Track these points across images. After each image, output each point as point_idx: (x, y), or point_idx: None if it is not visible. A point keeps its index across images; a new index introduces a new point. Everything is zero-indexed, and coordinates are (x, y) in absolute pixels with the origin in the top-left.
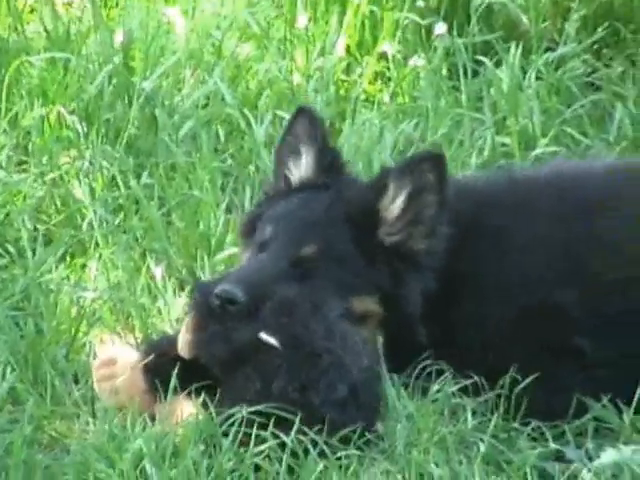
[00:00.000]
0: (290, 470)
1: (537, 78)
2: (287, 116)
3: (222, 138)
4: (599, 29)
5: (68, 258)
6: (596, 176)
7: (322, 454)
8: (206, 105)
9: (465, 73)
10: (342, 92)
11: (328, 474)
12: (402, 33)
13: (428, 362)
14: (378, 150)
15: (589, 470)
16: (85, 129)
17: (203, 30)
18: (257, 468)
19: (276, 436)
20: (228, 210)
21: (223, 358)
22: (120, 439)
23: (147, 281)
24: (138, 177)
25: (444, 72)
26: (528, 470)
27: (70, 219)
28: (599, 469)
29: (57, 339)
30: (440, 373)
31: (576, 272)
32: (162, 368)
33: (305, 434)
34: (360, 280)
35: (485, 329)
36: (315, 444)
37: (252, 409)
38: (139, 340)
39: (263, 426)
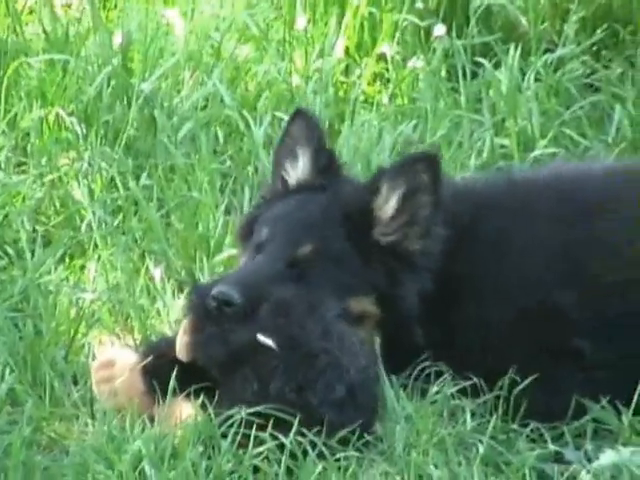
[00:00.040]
0: (289, 471)
1: (536, 79)
2: (286, 117)
3: (221, 139)
4: (598, 31)
5: (67, 259)
6: (595, 178)
7: (321, 455)
8: (205, 106)
9: (464, 74)
10: (341, 93)
11: (327, 475)
12: (401, 34)
13: (427, 363)
14: (377, 151)
15: (588, 471)
16: (84, 130)
17: (202, 32)
18: (256, 469)
19: (275, 437)
20: (227, 211)
21: (220, 360)
22: (119, 440)
23: (146, 282)
24: (137, 178)
25: (443, 73)
26: (527, 471)
27: (69, 220)
28: (598, 470)
29: (56, 340)
30: (439, 374)
31: (575, 274)
32: (161, 370)
33: (304, 435)
34: (357, 280)
35: (484, 331)
36: (314, 445)
37: (251, 410)
38: (138, 341)
39: (262, 427)
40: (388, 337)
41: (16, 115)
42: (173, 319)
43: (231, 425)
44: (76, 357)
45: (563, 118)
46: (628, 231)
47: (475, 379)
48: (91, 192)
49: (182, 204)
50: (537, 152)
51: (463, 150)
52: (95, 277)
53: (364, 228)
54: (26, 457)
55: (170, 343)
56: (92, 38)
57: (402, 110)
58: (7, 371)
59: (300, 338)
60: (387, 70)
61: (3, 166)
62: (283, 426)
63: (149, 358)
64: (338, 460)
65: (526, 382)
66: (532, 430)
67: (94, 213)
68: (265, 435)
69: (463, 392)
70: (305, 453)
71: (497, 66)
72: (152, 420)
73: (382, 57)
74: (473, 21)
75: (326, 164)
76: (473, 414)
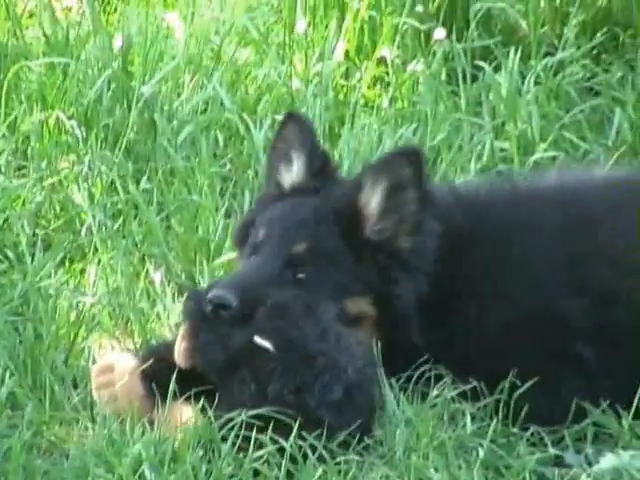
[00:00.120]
0: (289, 475)
1: (536, 83)
2: None
3: (221, 143)
4: (598, 34)
5: (67, 263)
6: (597, 188)
7: (321, 459)
8: (205, 110)
9: (464, 78)
10: (341, 97)
11: (327, 479)
12: (401, 38)
13: (427, 367)
14: (377, 155)
15: (588, 475)
16: (84, 134)
17: (202, 35)
18: (256, 473)
19: (275, 441)
20: (227, 215)
21: (219, 364)
22: (119, 444)
23: (146, 286)
24: (137, 182)
25: (443, 77)
26: (527, 475)
27: (69, 224)
28: (598, 474)
29: (56, 344)
30: (439, 378)
31: (578, 282)
32: (160, 373)
33: (304, 439)
34: (351, 279)
35: (486, 336)
36: (314, 449)
37: (251, 413)
38: (138, 345)
39: (261, 430)
40: (386, 338)
41: (16, 118)
42: (173, 323)
43: (231, 428)
44: (76, 361)
45: (563, 122)
46: (629, 240)
47: (475, 383)
48: (91, 196)
49: (182, 207)
50: (537, 156)
51: (463, 153)
52: (95, 281)
53: (356, 226)
54: (26, 461)
55: (170, 347)
56: (92, 41)
57: (402, 113)
58: (7, 375)
59: (297, 340)
60: (387, 74)
61: (3, 170)
62: (283, 429)
63: (149, 362)
64: (338, 464)
65: (526, 386)
66: (532, 434)
67: (94, 217)
68: (265, 438)
69: (463, 396)
70: (305, 456)
71: (497, 69)
72: (152, 424)
73: (382, 60)
74: (473, 24)
75: (320, 166)
76: (473, 418)
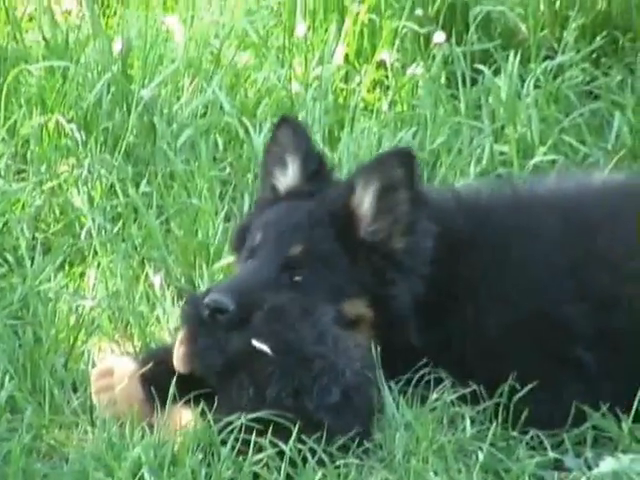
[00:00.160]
0: (289, 478)
1: (535, 86)
2: None
3: (221, 146)
4: (598, 38)
5: (67, 267)
6: (597, 193)
7: (321, 462)
8: (205, 113)
9: (464, 81)
10: (341, 100)
11: None
12: (401, 42)
13: (426, 370)
14: None
15: (588, 479)
16: (84, 137)
17: (202, 38)
18: (256, 476)
19: (274, 444)
20: (227, 218)
21: (217, 368)
22: (119, 448)
23: (146, 289)
24: (137, 185)
25: (443, 80)
26: (527, 479)
27: (69, 227)
28: (598, 478)
29: (56, 348)
30: (439, 381)
31: (579, 287)
32: (160, 377)
33: (304, 442)
34: (347, 281)
35: (483, 338)
36: (314, 452)
37: (250, 417)
38: (138, 348)
39: (261, 433)
40: (383, 340)
41: (16, 122)
42: (173, 326)
43: (231, 432)
44: (76, 364)
45: (562, 125)
46: (629, 245)
47: (475, 386)
48: (91, 199)
49: (182, 211)
50: (536, 159)
51: (463, 157)
52: (95, 284)
53: (350, 227)
54: (26, 464)
55: (169, 351)
56: (92, 45)
57: (402, 117)
58: (7, 378)
59: (295, 343)
60: (387, 77)
61: (3, 173)
62: (282, 432)
63: (148, 366)
64: (338, 467)
65: (526, 389)
66: (532, 437)
67: (94, 220)
68: (265, 442)
69: (463, 399)
70: (305, 460)
71: (497, 73)
72: (151, 427)
73: (382, 64)
74: (473, 28)
75: (315, 169)
76: (473, 421)
